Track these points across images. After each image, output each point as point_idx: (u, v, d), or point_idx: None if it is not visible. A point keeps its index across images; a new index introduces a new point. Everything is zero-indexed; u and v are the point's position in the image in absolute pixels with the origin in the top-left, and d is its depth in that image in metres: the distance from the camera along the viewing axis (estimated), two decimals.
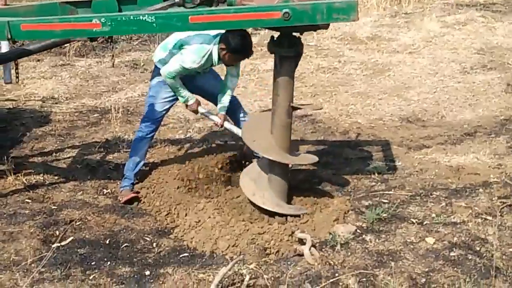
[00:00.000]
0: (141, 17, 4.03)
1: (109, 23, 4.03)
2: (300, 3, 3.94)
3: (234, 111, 5.17)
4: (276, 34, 4.37)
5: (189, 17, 4.01)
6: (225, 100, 5.05)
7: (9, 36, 4.15)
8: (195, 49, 4.75)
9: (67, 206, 4.93)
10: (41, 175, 5.41)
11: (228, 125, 5.06)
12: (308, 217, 4.54)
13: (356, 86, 7.61)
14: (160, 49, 4.99)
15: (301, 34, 4.39)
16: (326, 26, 4.28)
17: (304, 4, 3.93)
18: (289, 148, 4.58)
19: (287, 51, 4.32)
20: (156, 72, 5.05)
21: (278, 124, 4.50)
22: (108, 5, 4.67)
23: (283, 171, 4.59)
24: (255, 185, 4.64)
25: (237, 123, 5.17)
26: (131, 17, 4.05)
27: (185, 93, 4.94)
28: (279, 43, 4.34)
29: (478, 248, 4.16)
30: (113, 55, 5.16)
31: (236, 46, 4.67)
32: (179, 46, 4.81)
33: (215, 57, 4.78)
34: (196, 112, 5.07)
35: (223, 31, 4.69)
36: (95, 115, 6.98)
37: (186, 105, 5.03)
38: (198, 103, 5.01)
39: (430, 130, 6.27)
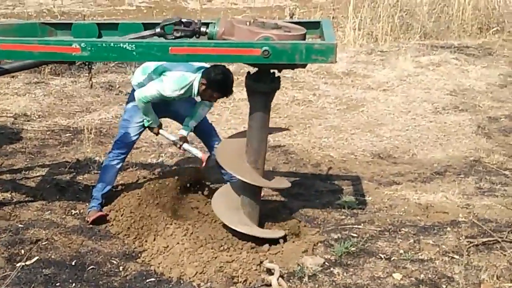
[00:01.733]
0: (121, 45, 4.03)
1: (89, 49, 4.02)
2: (280, 42, 3.99)
3: (209, 138, 5.18)
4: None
5: (170, 47, 4.02)
6: (190, 124, 5.10)
7: None
8: (177, 79, 4.76)
9: (34, 225, 4.86)
10: (9, 192, 5.34)
11: (187, 146, 5.14)
12: (277, 247, 4.54)
13: (330, 120, 7.68)
14: (139, 72, 4.98)
15: (279, 71, 4.44)
16: (304, 65, 4.34)
17: (284, 43, 3.98)
18: (262, 172, 4.60)
19: (264, 86, 4.37)
20: (132, 95, 5.04)
21: (252, 151, 4.52)
22: (89, 29, 4.66)
23: (256, 195, 4.60)
24: (228, 208, 4.64)
25: (211, 150, 5.18)
26: (112, 44, 4.05)
27: (152, 117, 4.99)
28: (256, 79, 4.38)
29: (444, 286, 4.19)
30: (90, 77, 5.14)
31: (217, 84, 4.71)
32: (160, 72, 4.81)
33: (195, 89, 4.80)
34: (157, 134, 5.17)
35: (206, 64, 4.73)
36: (67, 134, 6.92)
37: (149, 128, 5.10)
38: (160, 127, 5.12)
39: (400, 167, 6.33)
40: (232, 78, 4.80)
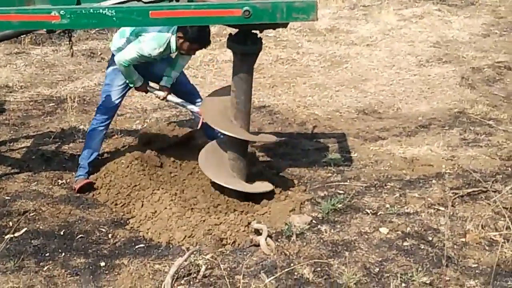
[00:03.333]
0: (101, 11, 3.98)
1: (69, 16, 3.97)
2: (260, 2, 3.96)
3: (192, 99, 5.16)
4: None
5: (150, 12, 3.98)
6: (171, 74, 5.07)
7: None
8: (154, 37, 4.73)
9: (21, 196, 4.86)
10: None
11: (171, 97, 5.10)
12: (265, 207, 4.57)
13: (314, 78, 7.66)
14: (117, 37, 4.95)
15: (261, 32, 4.41)
16: (285, 25, 4.31)
17: (264, 3, 3.95)
18: (248, 128, 4.61)
19: (246, 48, 4.34)
20: (112, 60, 5.02)
21: (237, 112, 4.53)
22: None
23: (243, 151, 4.62)
24: (215, 165, 4.66)
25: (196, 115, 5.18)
26: (91, 10, 3.99)
27: (135, 76, 4.94)
28: (237, 40, 4.35)
29: (430, 238, 4.24)
30: (71, 46, 5.08)
31: (194, 36, 4.67)
32: (136, 33, 4.78)
33: (173, 45, 4.76)
34: (146, 91, 5.11)
35: None
36: (51, 104, 6.88)
37: (136, 88, 5.06)
38: (147, 83, 5.04)
39: (386, 122, 6.35)
40: (209, 28, 4.76)
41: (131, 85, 5.01)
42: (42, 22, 4.07)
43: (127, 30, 4.85)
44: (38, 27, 4.38)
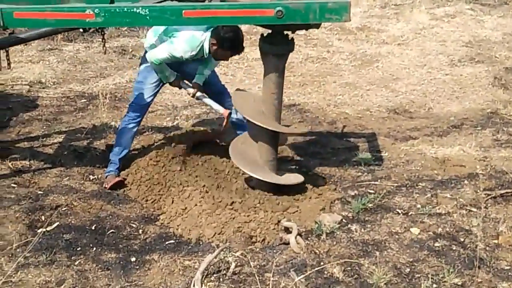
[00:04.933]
0: (135, 10, 4.02)
1: (103, 14, 4.02)
2: (293, 2, 3.95)
3: (222, 99, 5.17)
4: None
5: (183, 11, 4.01)
6: (204, 72, 5.06)
7: (2, 24, 4.14)
8: (187, 40, 4.74)
9: (53, 191, 4.91)
10: (27, 160, 5.38)
11: (200, 95, 5.08)
12: (295, 206, 4.56)
13: (345, 77, 7.63)
14: (151, 34, 4.98)
15: (293, 32, 4.40)
16: (317, 26, 4.30)
17: (297, 3, 3.94)
18: (279, 121, 4.62)
19: (278, 48, 4.34)
20: (145, 57, 5.05)
21: (268, 112, 4.53)
22: None
23: (274, 142, 4.62)
24: (246, 156, 4.66)
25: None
26: (125, 9, 4.03)
27: (168, 72, 4.95)
28: (269, 41, 4.34)
29: (462, 239, 4.19)
30: (104, 43, 5.12)
31: (228, 43, 4.69)
32: (170, 32, 4.80)
33: (206, 49, 4.77)
34: (179, 87, 5.10)
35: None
36: (83, 100, 6.95)
37: (170, 83, 5.06)
38: (181, 80, 5.04)
39: (417, 121, 6.30)
40: (242, 34, 4.77)
41: (164, 81, 5.02)
42: (77, 20, 4.13)
43: (160, 28, 4.87)
44: (73, 25, 4.44)
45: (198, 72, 5.07)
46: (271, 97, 4.50)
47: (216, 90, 5.21)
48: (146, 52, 5.03)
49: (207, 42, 4.73)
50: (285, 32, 4.34)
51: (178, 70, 5.00)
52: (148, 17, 4.02)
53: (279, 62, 4.43)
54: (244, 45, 4.81)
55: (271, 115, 4.55)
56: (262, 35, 4.42)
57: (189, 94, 5.12)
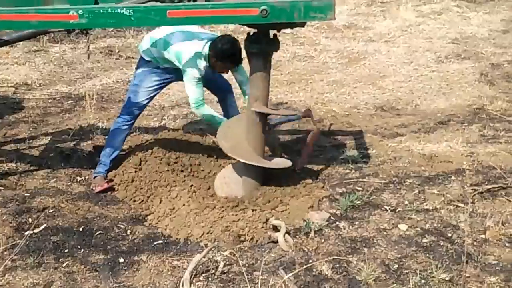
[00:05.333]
0: (119, 10, 3.99)
1: (87, 15, 3.99)
2: (278, 0, 3.94)
3: (226, 95, 5.17)
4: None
5: (167, 11, 3.98)
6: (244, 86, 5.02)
7: None
8: (192, 61, 4.73)
9: (40, 193, 4.89)
10: (14, 162, 5.36)
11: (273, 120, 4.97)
12: (283, 204, 4.56)
13: (332, 75, 7.64)
14: (147, 41, 4.97)
15: (278, 31, 4.40)
16: (302, 24, 4.30)
17: (282, 2, 3.94)
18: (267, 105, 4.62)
19: (263, 47, 4.34)
20: (142, 61, 5.07)
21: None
22: None
23: (262, 126, 4.61)
24: (234, 142, 4.68)
25: (225, 108, 5.20)
26: (109, 10, 4.01)
27: (220, 120, 4.96)
28: (254, 40, 4.34)
29: (449, 235, 4.21)
30: (88, 45, 5.08)
31: (227, 55, 4.71)
32: (164, 46, 4.83)
33: (207, 63, 4.79)
34: None
35: (208, 34, 4.80)
36: (69, 101, 6.92)
37: None
38: None
39: (404, 118, 6.31)
40: (239, 45, 4.76)
41: None
42: (61, 22, 4.10)
43: (156, 37, 4.89)
44: (56, 26, 4.42)
45: (242, 92, 5.05)
46: (257, 98, 4.49)
47: (221, 87, 5.22)
48: (141, 56, 5.05)
49: (207, 56, 4.76)
50: (271, 31, 4.34)
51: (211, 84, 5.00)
52: (132, 18, 4.00)
53: (265, 61, 4.42)
54: (242, 56, 4.81)
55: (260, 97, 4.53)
56: (248, 34, 4.41)
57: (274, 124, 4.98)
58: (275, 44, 4.41)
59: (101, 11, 4.02)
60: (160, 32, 4.93)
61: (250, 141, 4.62)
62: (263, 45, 4.35)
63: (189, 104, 4.92)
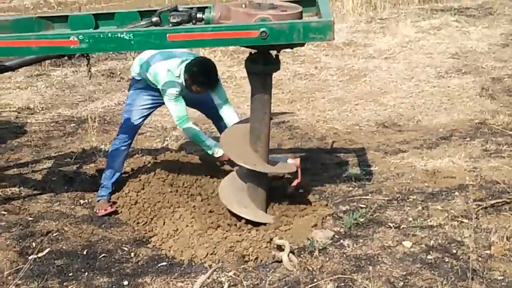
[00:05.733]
0: (119, 35, 4.00)
1: (87, 40, 4.00)
2: (277, 22, 3.97)
3: (219, 118, 5.18)
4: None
5: (167, 34, 4.00)
6: (225, 106, 5.02)
7: None
8: (167, 80, 4.79)
9: (44, 217, 4.89)
10: (17, 186, 5.37)
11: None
12: (287, 223, 4.56)
13: (333, 92, 7.65)
14: (138, 64, 5.04)
15: (278, 52, 4.42)
16: (302, 44, 4.32)
17: (281, 23, 3.96)
18: (266, 152, 4.60)
19: (263, 68, 4.37)
20: (133, 81, 5.13)
21: (256, 135, 4.53)
22: (85, 21, 4.65)
23: (261, 180, 4.61)
24: (233, 190, 4.66)
25: (220, 130, 5.21)
26: (109, 35, 4.02)
27: (210, 142, 4.95)
28: (254, 60, 4.37)
29: (454, 251, 4.19)
30: (89, 69, 5.08)
31: (199, 78, 4.75)
32: (146, 67, 4.91)
33: (184, 84, 4.82)
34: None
35: (186, 54, 4.89)
36: (72, 125, 6.94)
37: (219, 157, 5.00)
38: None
39: (406, 134, 6.31)
40: (214, 67, 4.82)
41: (211, 153, 4.96)
42: (61, 47, 4.11)
43: (144, 58, 4.96)
44: (57, 52, 4.44)
45: (222, 114, 5.02)
46: (259, 117, 4.50)
47: (212, 108, 5.20)
48: (133, 77, 5.09)
49: (182, 75, 4.79)
50: (271, 51, 4.37)
51: (189, 99, 4.96)
52: (132, 42, 4.01)
53: (266, 81, 4.44)
54: (219, 78, 4.87)
55: (256, 146, 4.55)
56: (250, 53, 4.44)
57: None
58: (276, 64, 4.42)
59: (101, 35, 4.04)
60: (146, 53, 5.00)
61: (250, 192, 4.65)
62: (263, 66, 4.37)
63: (177, 124, 4.93)
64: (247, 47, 4.35)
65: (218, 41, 4.11)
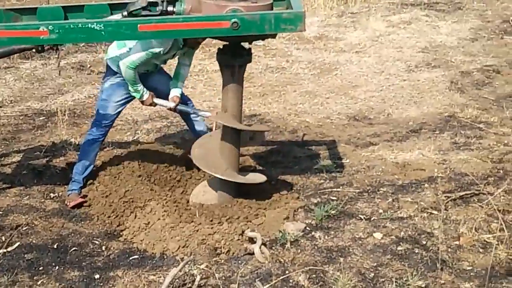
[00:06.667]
0: (89, 25, 3.98)
1: (57, 31, 3.96)
2: (248, 13, 3.98)
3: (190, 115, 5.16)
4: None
5: (138, 25, 3.99)
6: (178, 85, 5.01)
7: None
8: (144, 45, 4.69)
9: (13, 211, 4.84)
10: None
11: (182, 106, 5.01)
12: (259, 215, 4.57)
13: (304, 85, 7.68)
14: (115, 47, 4.88)
15: (250, 43, 4.43)
16: (273, 35, 4.33)
17: (252, 14, 3.97)
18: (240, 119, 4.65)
19: (236, 60, 4.37)
20: (108, 74, 5.01)
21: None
22: (54, 13, 4.59)
23: (235, 140, 4.64)
24: (208, 157, 4.68)
25: (191, 124, 5.20)
26: (80, 25, 3.99)
27: (140, 87, 4.84)
28: (228, 53, 4.37)
29: (424, 242, 4.24)
30: (59, 61, 5.01)
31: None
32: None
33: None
34: (153, 104, 4.97)
35: None
36: (41, 118, 6.86)
37: (142, 101, 4.93)
38: (152, 95, 4.91)
39: (376, 127, 6.36)
40: None
41: (138, 97, 4.88)
42: (31, 38, 4.08)
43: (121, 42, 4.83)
44: (27, 42, 4.40)
45: (172, 86, 5.00)
46: (231, 110, 4.51)
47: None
48: (108, 68, 4.98)
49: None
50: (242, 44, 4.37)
51: (145, 85, 4.89)
52: (103, 32, 3.99)
53: (237, 73, 4.45)
54: None
55: (232, 112, 4.56)
56: (221, 46, 4.44)
57: (169, 108, 5.01)
58: (247, 56, 4.43)
59: (71, 26, 4.01)
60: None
61: (225, 156, 4.64)
62: (234, 57, 4.37)
63: (123, 61, 4.71)
64: (219, 38, 4.34)
65: (189, 32, 4.10)
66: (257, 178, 4.79)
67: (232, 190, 4.72)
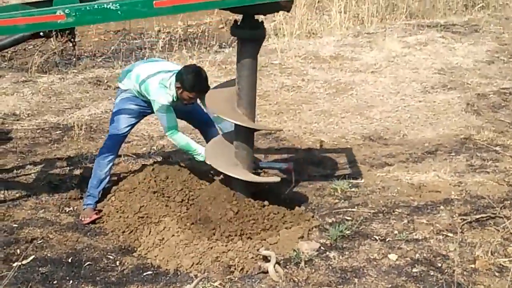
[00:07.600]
0: (105, 5, 3.98)
1: (74, 14, 3.96)
2: None
3: (207, 128, 5.21)
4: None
5: (154, 2, 3.98)
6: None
7: None
8: (158, 92, 4.81)
9: (29, 224, 4.86)
10: (2, 192, 5.33)
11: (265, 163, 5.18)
12: (273, 234, 4.56)
13: (320, 105, 7.68)
14: (124, 75, 5.07)
15: (264, 15, 4.46)
16: (288, 5, 4.31)
17: None
18: (253, 117, 4.65)
19: (250, 34, 4.39)
20: (120, 91, 5.14)
21: (243, 100, 4.57)
22: (71, 1, 4.62)
23: (249, 140, 4.65)
24: (222, 157, 4.71)
25: (207, 139, 5.22)
26: (95, 6, 3.99)
27: (200, 149, 4.93)
28: (242, 26, 4.41)
29: (439, 264, 4.22)
30: (74, 44, 4.96)
31: (192, 84, 4.73)
32: (140, 80, 4.91)
33: (174, 95, 4.83)
34: None
35: (175, 65, 4.93)
36: (58, 132, 6.91)
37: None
38: None
39: (392, 148, 6.35)
40: (205, 73, 4.84)
41: (201, 159, 4.94)
42: (49, 23, 4.07)
43: (131, 73, 4.99)
44: (44, 27, 4.36)
45: (218, 124, 5.08)
46: (246, 85, 4.52)
47: (202, 120, 5.22)
48: (120, 88, 5.14)
49: (173, 86, 4.78)
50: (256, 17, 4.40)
51: (178, 110, 4.97)
52: (119, 12, 3.98)
53: (253, 48, 4.45)
54: (209, 84, 4.86)
55: (246, 111, 4.57)
56: (235, 21, 4.46)
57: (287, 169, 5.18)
58: (262, 29, 4.44)
59: (88, 8, 4.00)
60: (133, 66, 5.07)
61: (240, 156, 4.66)
62: (249, 30, 4.38)
63: (166, 132, 4.95)
64: (232, 11, 4.35)
65: (205, 4, 4.13)
66: (271, 178, 4.84)
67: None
